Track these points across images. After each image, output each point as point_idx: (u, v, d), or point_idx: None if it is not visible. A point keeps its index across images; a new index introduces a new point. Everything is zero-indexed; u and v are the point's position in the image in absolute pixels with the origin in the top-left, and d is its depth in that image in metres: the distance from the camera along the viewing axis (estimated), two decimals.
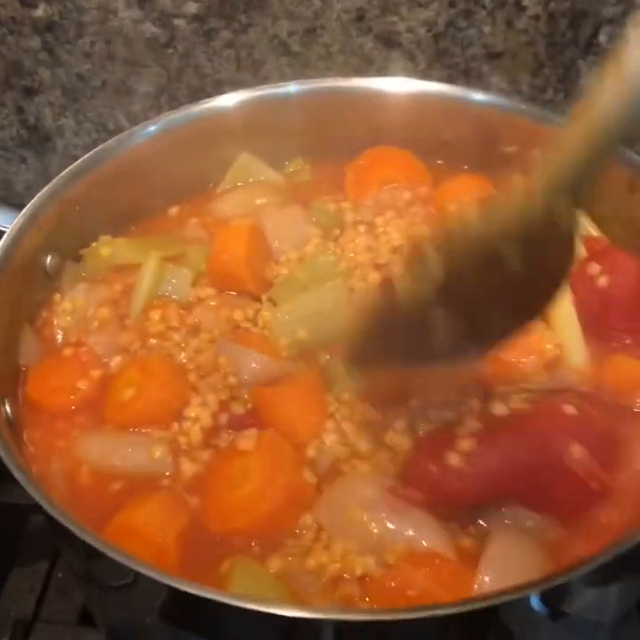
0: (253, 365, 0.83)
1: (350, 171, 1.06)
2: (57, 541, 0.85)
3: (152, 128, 1.01)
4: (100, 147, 0.98)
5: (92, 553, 0.68)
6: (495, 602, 0.64)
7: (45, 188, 0.93)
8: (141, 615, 0.77)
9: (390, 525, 0.69)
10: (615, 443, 0.74)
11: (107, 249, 0.96)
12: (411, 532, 0.69)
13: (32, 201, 0.91)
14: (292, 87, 1.06)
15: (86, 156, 0.97)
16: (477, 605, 0.63)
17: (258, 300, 0.92)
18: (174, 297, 0.92)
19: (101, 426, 0.82)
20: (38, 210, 0.91)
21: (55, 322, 0.91)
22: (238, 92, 1.05)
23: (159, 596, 0.69)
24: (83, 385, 0.85)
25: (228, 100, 1.04)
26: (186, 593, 0.63)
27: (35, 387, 0.85)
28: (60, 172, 1.38)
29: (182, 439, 0.79)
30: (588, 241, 0.94)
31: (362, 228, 0.98)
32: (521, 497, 0.71)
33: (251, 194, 1.04)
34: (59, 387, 0.85)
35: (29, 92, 1.31)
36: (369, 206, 1.02)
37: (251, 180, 1.07)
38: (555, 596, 0.68)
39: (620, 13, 1.15)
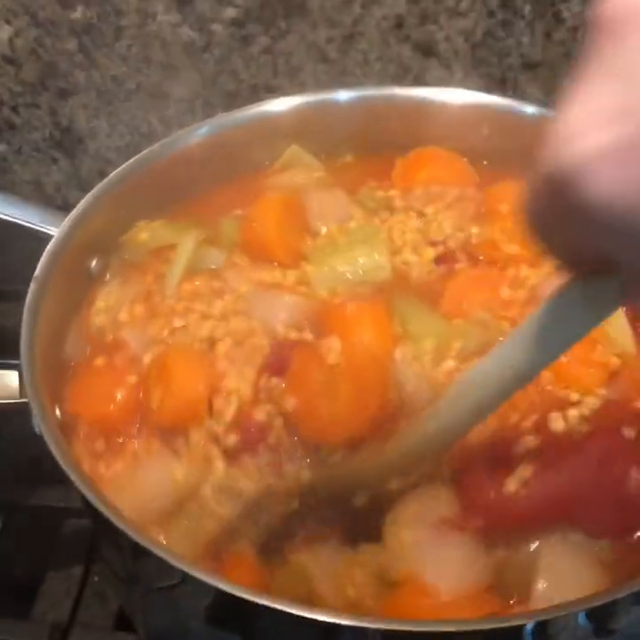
0: (289, 306, 0.84)
1: (400, 164, 1.06)
2: (100, 542, 0.85)
3: (199, 131, 1.01)
4: (146, 150, 0.98)
5: (139, 552, 0.68)
6: (543, 618, 0.64)
7: (91, 193, 0.93)
8: (186, 618, 0.77)
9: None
10: None
11: (145, 233, 0.95)
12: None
13: (78, 205, 0.91)
14: (342, 94, 1.06)
15: (131, 160, 0.97)
16: (524, 621, 0.64)
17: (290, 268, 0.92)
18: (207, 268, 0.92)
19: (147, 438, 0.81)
20: (84, 214, 0.91)
21: (92, 321, 0.90)
22: (289, 97, 1.05)
23: (206, 597, 0.68)
24: (120, 393, 0.83)
25: (278, 104, 1.04)
26: (233, 595, 0.63)
27: (74, 399, 0.83)
28: (91, 175, 1.40)
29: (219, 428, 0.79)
30: None
31: (412, 214, 0.99)
32: (576, 519, 0.71)
33: (295, 174, 1.04)
34: (97, 398, 0.84)
35: (64, 94, 1.32)
36: (417, 196, 1.01)
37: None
38: (602, 614, 0.68)
39: None
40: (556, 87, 1.22)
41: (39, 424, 0.73)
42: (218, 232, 0.96)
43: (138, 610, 0.88)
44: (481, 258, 0.93)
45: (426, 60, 1.22)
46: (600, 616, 0.68)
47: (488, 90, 1.22)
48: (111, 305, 0.90)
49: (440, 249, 0.93)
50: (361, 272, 0.90)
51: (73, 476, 0.68)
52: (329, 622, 0.62)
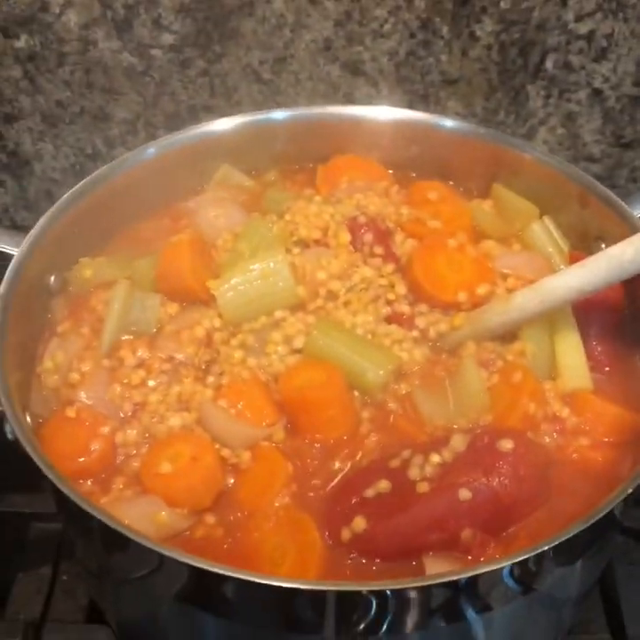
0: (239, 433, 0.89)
1: (321, 170, 1.15)
2: (74, 540, 0.91)
3: (145, 153, 1.08)
4: (96, 172, 1.04)
5: (114, 543, 0.75)
6: (472, 573, 0.73)
7: (48, 212, 0.99)
8: (157, 603, 0.84)
9: None
10: (517, 502, 0.82)
11: (88, 270, 1.02)
12: None
13: (37, 224, 0.97)
14: (277, 114, 1.15)
15: (83, 181, 1.03)
16: (457, 577, 0.73)
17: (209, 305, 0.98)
18: (141, 328, 0.97)
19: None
20: (42, 233, 0.97)
21: (44, 380, 0.93)
22: (230, 118, 1.13)
23: (179, 578, 0.76)
24: (95, 446, 0.88)
25: (219, 125, 1.12)
26: (205, 571, 0.70)
27: (48, 451, 0.83)
28: (39, 195, 1.45)
29: None
30: (571, 255, 1.04)
31: (317, 199, 1.08)
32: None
33: (221, 193, 1.13)
34: (70, 452, 0.87)
35: (9, 119, 1.36)
36: (343, 189, 1.11)
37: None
38: (524, 573, 0.77)
39: (565, 42, 1.26)
40: (473, 100, 1.32)
41: (13, 429, 0.79)
42: (137, 271, 1.02)
43: (109, 602, 0.94)
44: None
45: (354, 79, 1.31)
46: (522, 575, 0.77)
47: (412, 105, 1.32)
48: (59, 363, 0.94)
49: (362, 220, 1.02)
50: (259, 283, 0.96)
51: (50, 474, 0.74)
52: (284, 587, 0.70)
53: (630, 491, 0.76)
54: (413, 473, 0.83)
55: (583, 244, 1.05)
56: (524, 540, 0.82)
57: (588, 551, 0.84)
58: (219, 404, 0.90)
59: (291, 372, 0.92)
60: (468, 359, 0.93)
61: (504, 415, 0.89)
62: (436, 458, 0.84)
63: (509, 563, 0.73)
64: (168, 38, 1.27)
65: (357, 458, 0.89)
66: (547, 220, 1.08)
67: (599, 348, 0.96)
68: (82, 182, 1.02)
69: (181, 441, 0.87)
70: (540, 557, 0.74)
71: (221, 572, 0.70)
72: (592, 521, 0.75)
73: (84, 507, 0.73)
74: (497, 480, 0.81)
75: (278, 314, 0.96)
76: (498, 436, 0.84)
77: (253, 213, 1.08)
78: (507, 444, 0.82)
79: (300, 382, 0.91)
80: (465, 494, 0.80)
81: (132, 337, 0.96)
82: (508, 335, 0.95)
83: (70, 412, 0.89)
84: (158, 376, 0.92)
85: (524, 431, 0.88)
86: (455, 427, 0.89)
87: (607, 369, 0.96)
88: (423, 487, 0.82)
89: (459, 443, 0.84)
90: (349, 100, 1.32)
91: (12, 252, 0.94)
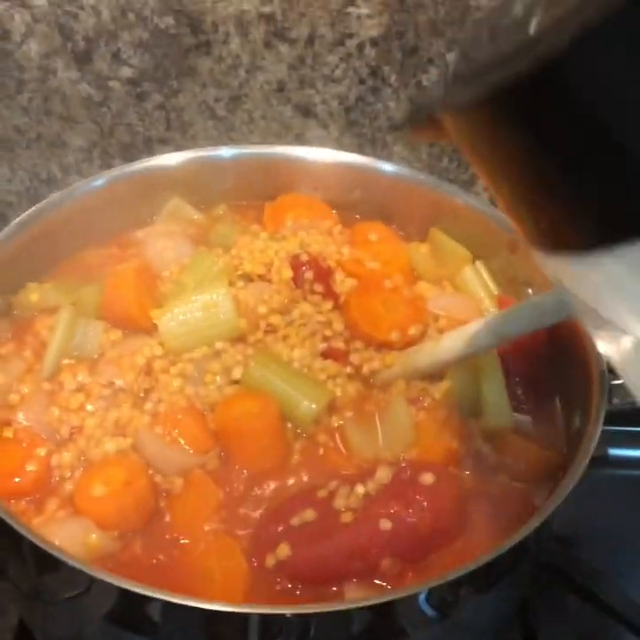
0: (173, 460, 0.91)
1: (268, 207, 1.19)
2: (6, 560, 0.92)
3: (96, 183, 1.11)
4: (47, 199, 1.07)
5: (46, 565, 0.77)
6: (387, 599, 0.76)
7: None
8: (85, 624, 0.86)
9: None
10: (438, 532, 0.85)
11: (34, 295, 1.04)
12: None
13: None
14: (225, 151, 1.18)
15: (34, 207, 1.05)
16: (375, 601, 0.76)
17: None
18: (83, 353, 0.99)
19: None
20: None
21: None
22: (179, 153, 1.17)
23: (108, 601, 0.78)
24: (31, 467, 0.89)
25: (169, 159, 1.16)
26: (131, 593, 0.73)
27: None
28: None
29: None
30: (501, 299, 1.09)
31: (263, 235, 1.11)
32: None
33: (171, 226, 1.16)
34: (5, 472, 0.89)
35: None
36: (288, 227, 1.15)
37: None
38: (439, 600, 0.80)
39: None
40: (419, 146, 1.38)
41: None
42: (82, 297, 1.04)
43: (40, 622, 0.96)
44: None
45: (305, 120, 1.36)
46: (437, 601, 0.80)
47: (361, 148, 1.38)
48: None
49: (304, 259, 1.06)
50: (201, 314, 0.99)
51: None
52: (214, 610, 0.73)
53: (537, 524, 0.80)
54: (338, 503, 0.86)
55: (512, 289, 1.10)
56: (441, 570, 0.86)
57: (502, 580, 0.88)
58: (154, 430, 0.93)
59: (227, 401, 0.95)
60: (398, 396, 0.97)
61: (428, 450, 0.93)
62: (360, 489, 0.87)
63: (425, 588, 0.77)
64: (126, 71, 1.31)
65: (286, 487, 0.92)
66: (479, 264, 1.13)
67: (521, 390, 1.01)
68: (32, 208, 1.05)
69: (115, 465, 0.90)
70: (453, 584, 0.78)
71: (145, 592, 0.72)
72: (502, 551, 0.78)
73: (14, 526, 0.75)
74: (417, 512, 0.85)
75: (218, 345, 0.99)
76: (420, 470, 0.88)
77: (201, 247, 1.12)
78: (428, 478, 0.86)
79: (235, 412, 0.94)
80: (385, 525, 0.84)
81: (73, 361, 0.99)
82: (436, 374, 1.00)
83: (8, 433, 0.91)
84: (97, 401, 0.95)
85: (446, 465, 0.92)
86: (384, 458, 0.93)
87: (528, 409, 1.01)
88: (347, 517, 0.85)
89: (384, 475, 0.88)
90: (301, 140, 1.37)
91: None
